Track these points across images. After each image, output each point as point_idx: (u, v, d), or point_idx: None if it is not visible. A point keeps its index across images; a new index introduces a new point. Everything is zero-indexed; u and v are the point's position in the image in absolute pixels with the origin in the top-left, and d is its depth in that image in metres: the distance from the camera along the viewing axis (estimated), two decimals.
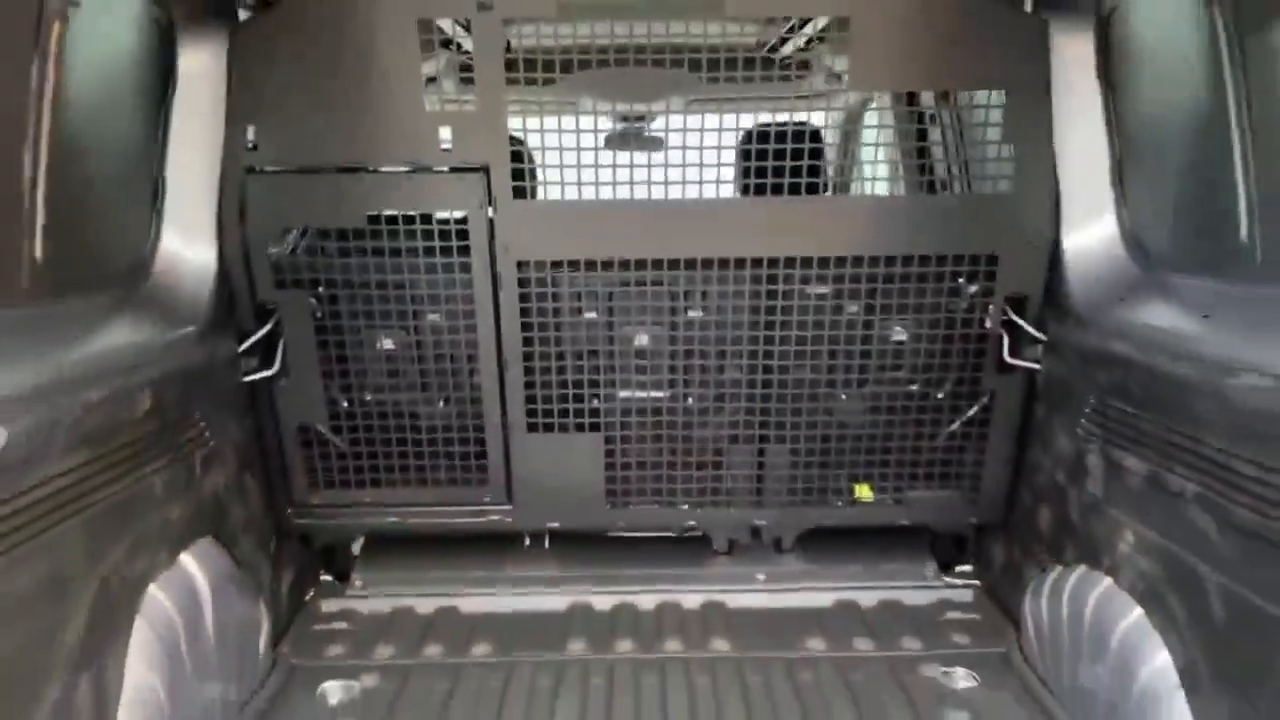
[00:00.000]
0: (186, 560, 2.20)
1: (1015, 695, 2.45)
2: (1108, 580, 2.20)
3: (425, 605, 2.99)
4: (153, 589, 2.05)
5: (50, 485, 1.69)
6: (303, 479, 2.85)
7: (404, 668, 2.66)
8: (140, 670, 1.94)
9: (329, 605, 3.00)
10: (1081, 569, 2.33)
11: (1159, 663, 1.96)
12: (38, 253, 1.92)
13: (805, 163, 2.55)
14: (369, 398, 2.86)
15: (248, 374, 2.63)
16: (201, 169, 2.52)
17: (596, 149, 2.56)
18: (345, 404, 2.85)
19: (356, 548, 3.20)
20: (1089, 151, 2.52)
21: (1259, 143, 1.96)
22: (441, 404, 2.85)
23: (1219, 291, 2.08)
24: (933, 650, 2.70)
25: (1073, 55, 2.50)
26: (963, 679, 2.55)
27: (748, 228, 2.64)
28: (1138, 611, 2.06)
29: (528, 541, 3.19)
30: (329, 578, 3.15)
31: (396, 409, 2.86)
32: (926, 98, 3.23)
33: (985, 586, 3.02)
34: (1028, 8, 2.60)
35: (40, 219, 1.94)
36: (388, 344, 2.79)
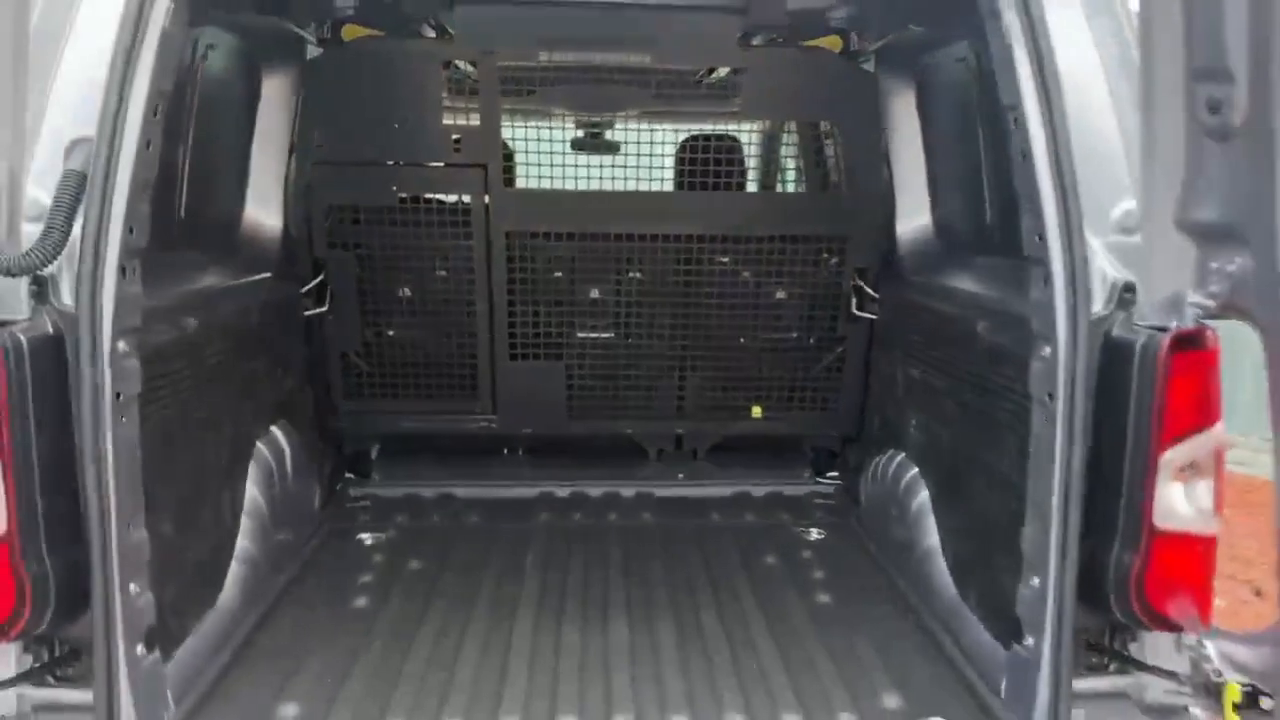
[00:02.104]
0: (275, 430, 3.19)
1: (848, 539, 3.52)
2: (902, 454, 3.29)
3: (428, 492, 3.97)
4: (259, 444, 3.04)
5: (214, 357, 2.67)
6: (341, 392, 3.83)
7: (416, 528, 3.64)
8: (254, 491, 2.93)
9: (355, 491, 3.98)
10: (890, 452, 3.41)
11: (922, 496, 3.05)
12: (181, 215, 2.89)
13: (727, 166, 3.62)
14: (392, 333, 3.85)
15: (306, 310, 3.61)
16: (275, 160, 3.48)
17: (564, 152, 3.60)
18: (375, 337, 3.84)
19: (374, 452, 4.17)
20: (911, 165, 3.59)
21: (989, 165, 3.02)
22: (445, 338, 3.85)
23: (991, 265, 3.15)
24: (799, 522, 3.76)
25: (900, 98, 3.56)
26: (816, 534, 3.60)
27: (676, 213, 3.69)
28: (915, 470, 3.15)
29: (505, 451, 4.21)
30: (352, 476, 4.13)
31: (412, 341, 3.85)
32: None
33: (844, 485, 4.09)
34: (870, 68, 3.67)
35: (184, 195, 2.90)
36: (406, 292, 3.79)
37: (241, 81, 3.28)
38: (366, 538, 3.52)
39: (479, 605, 2.92)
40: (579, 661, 2.58)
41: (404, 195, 3.59)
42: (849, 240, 3.70)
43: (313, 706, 2.33)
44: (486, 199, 3.57)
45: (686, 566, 3.26)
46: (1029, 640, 2.20)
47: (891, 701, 2.39)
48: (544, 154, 3.57)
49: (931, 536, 2.97)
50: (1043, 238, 2.08)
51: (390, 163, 3.56)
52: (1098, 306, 2.05)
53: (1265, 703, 1.86)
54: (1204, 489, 1.98)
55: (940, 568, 2.89)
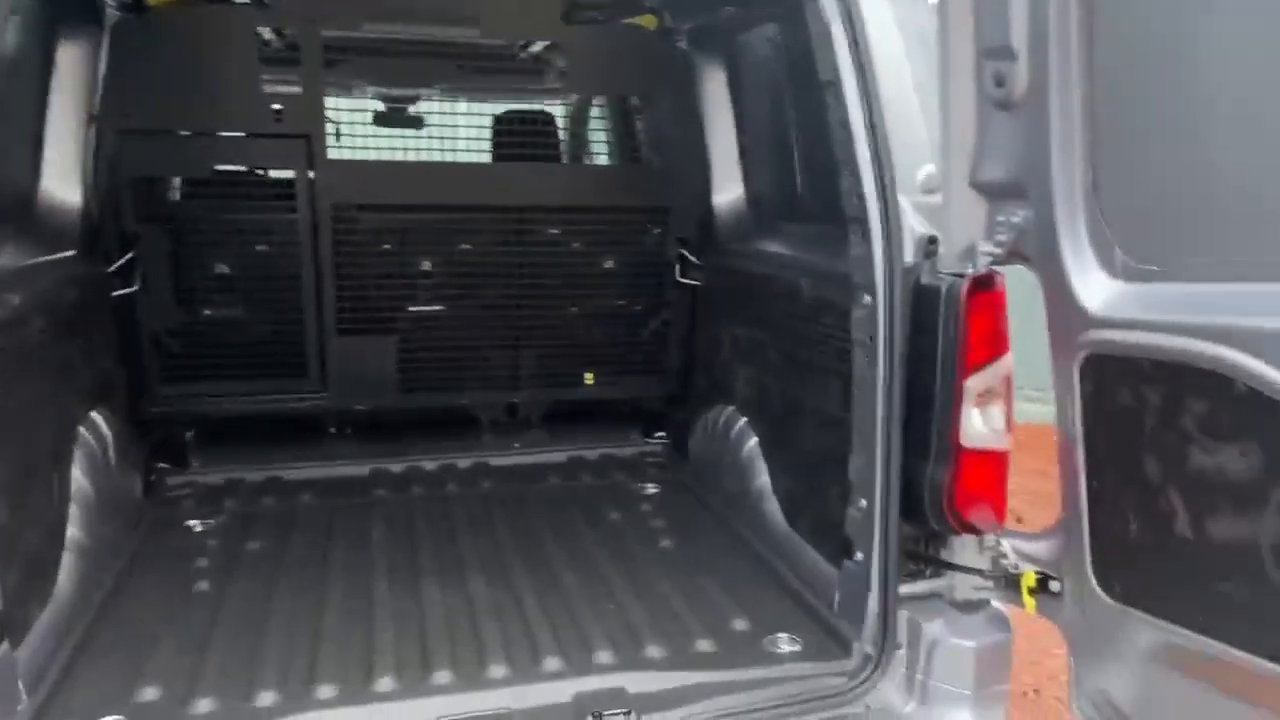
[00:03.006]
0: (95, 416, 3.01)
1: (681, 492, 3.74)
2: (731, 408, 3.54)
3: (255, 476, 3.85)
4: (81, 429, 2.87)
5: (23, 339, 2.50)
6: (157, 376, 3.64)
7: (247, 512, 3.53)
8: (80, 479, 2.77)
9: (174, 480, 3.79)
10: (719, 407, 3.66)
11: (752, 443, 3.31)
12: None
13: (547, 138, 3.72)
14: (210, 312, 3.70)
15: (114, 290, 3.40)
16: (74, 130, 3.26)
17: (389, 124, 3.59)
18: (191, 317, 3.67)
19: (190, 438, 3.98)
20: (725, 141, 3.84)
21: (800, 139, 3.31)
22: (269, 316, 3.73)
23: (802, 230, 3.44)
24: (634, 480, 3.95)
25: (712, 75, 3.80)
26: (651, 489, 3.79)
27: (502, 185, 3.76)
28: (744, 420, 3.41)
29: (330, 431, 4.13)
30: (165, 465, 3.92)
31: (233, 320, 3.72)
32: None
33: (672, 443, 4.31)
34: (683, 45, 3.88)
35: None
36: (224, 269, 3.65)
37: (34, 47, 3.05)
38: (195, 524, 3.38)
39: (331, 577, 2.91)
40: (444, 618, 2.64)
41: (221, 167, 3.45)
42: (670, 211, 3.91)
43: (174, 687, 2.27)
44: (311, 171, 3.51)
45: (533, 525, 3.37)
46: (859, 555, 2.48)
47: (741, 625, 2.62)
48: (369, 124, 3.53)
49: (761, 478, 3.24)
50: (861, 198, 2.34)
51: (205, 133, 3.41)
52: (908, 258, 2.33)
53: (1053, 585, 2.22)
54: (998, 411, 2.31)
55: (772, 506, 3.16)
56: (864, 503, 2.45)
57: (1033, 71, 2.04)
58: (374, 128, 3.56)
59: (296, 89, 3.43)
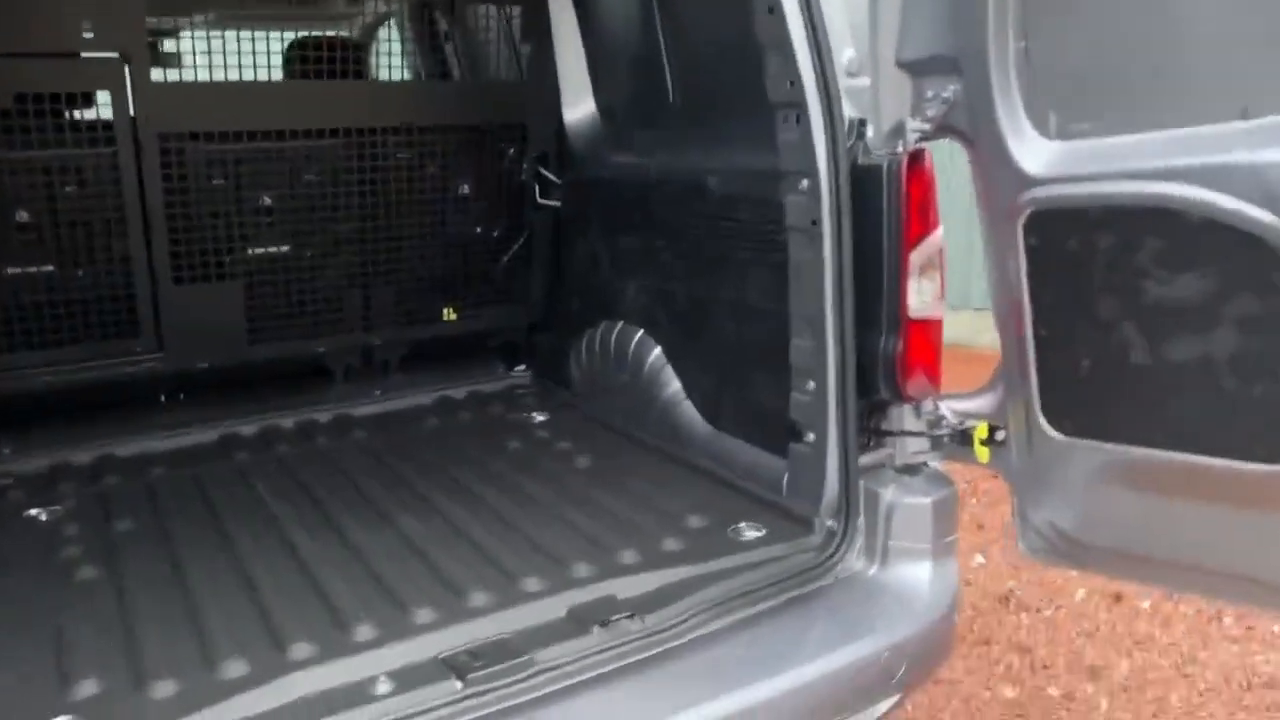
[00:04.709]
0: None
1: (572, 415, 3.66)
2: (621, 322, 3.51)
3: (82, 457, 3.34)
4: None
5: None
6: None
7: (94, 493, 3.06)
8: None
9: None
10: (604, 324, 3.61)
11: (654, 354, 3.30)
12: None
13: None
14: (11, 270, 3.13)
15: None
16: None
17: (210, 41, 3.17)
18: None
19: None
20: (574, 53, 3.74)
21: (673, 43, 3.29)
22: (87, 268, 3.23)
23: (656, 137, 3.42)
24: (514, 411, 3.82)
25: None
26: (540, 417, 3.68)
27: (343, 102, 3.44)
28: (641, 331, 3.39)
29: (167, 396, 3.66)
30: None
31: (40, 279, 3.18)
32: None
33: (535, 373, 4.20)
34: None
35: None
36: (24, 216, 3.10)
37: None
38: (38, 513, 2.90)
39: (238, 540, 2.59)
40: (391, 559, 2.44)
41: (18, 92, 2.91)
42: (526, 129, 3.76)
43: (113, 677, 1.95)
44: (130, 96, 3.04)
45: (434, 461, 3.18)
46: (809, 437, 2.56)
47: (697, 522, 2.63)
48: (197, 39, 3.11)
49: (671, 387, 3.24)
50: (795, 82, 2.37)
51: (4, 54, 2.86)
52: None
53: (1000, 434, 2.41)
54: (933, 282, 2.45)
55: (687, 410, 3.18)
56: (811, 384, 2.52)
57: None
58: (204, 43, 3.12)
59: None
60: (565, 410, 3.75)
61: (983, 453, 2.42)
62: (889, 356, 2.43)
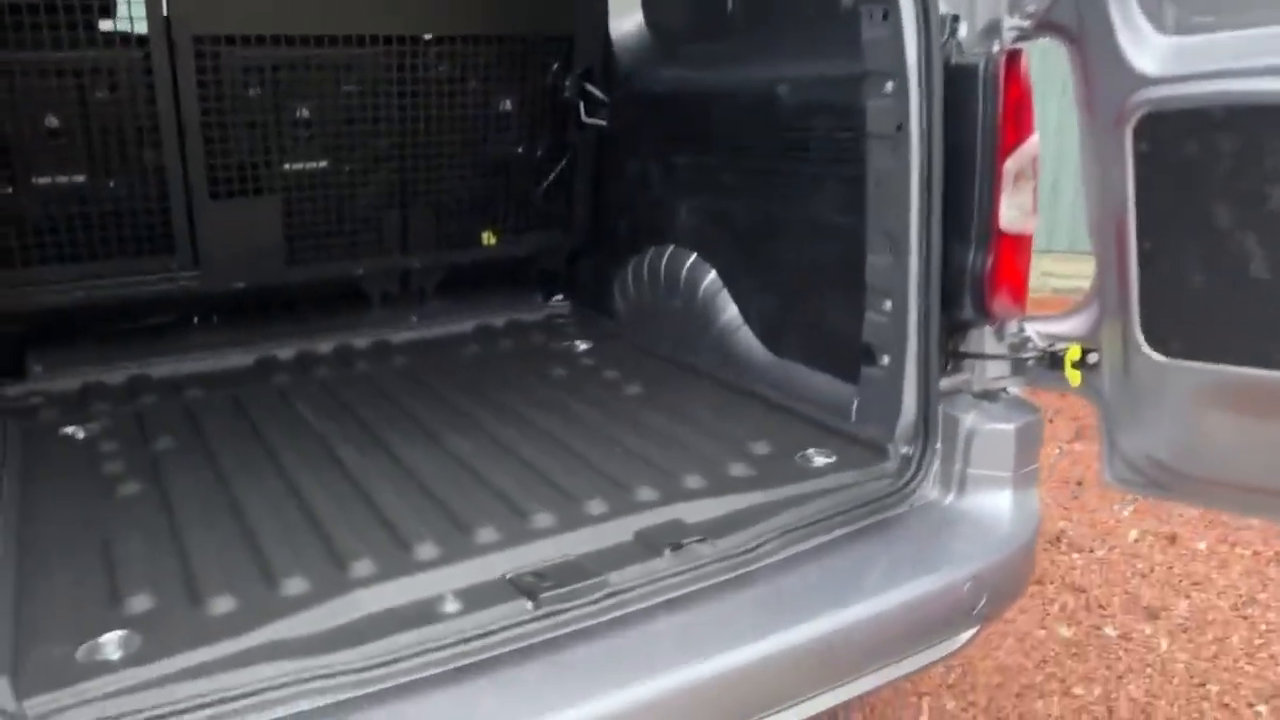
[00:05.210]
0: None
1: (618, 343, 3.52)
2: (672, 246, 3.36)
3: (115, 378, 3.24)
4: None
5: None
6: None
7: (130, 412, 2.96)
8: None
9: (13, 390, 3.11)
10: (653, 249, 3.46)
11: (710, 278, 3.16)
12: None
13: None
14: (40, 180, 3.00)
15: None
16: None
17: None
18: (11, 186, 2.96)
19: (27, 339, 3.28)
20: None
21: None
22: (119, 179, 3.09)
23: (712, 50, 3.24)
24: (557, 339, 3.68)
25: None
26: (583, 345, 3.56)
27: (385, 8, 3.25)
28: (694, 255, 3.24)
29: (200, 318, 3.55)
30: None
31: (69, 189, 3.04)
32: None
33: (576, 304, 4.07)
34: None
35: None
36: (54, 122, 2.96)
37: None
38: (75, 430, 2.80)
39: (284, 457, 2.49)
40: (446, 479, 2.32)
41: None
42: (574, 41, 3.58)
43: (167, 592, 1.86)
44: None
45: (479, 384, 3.06)
46: (884, 360, 2.43)
47: (762, 448, 2.51)
48: None
49: (728, 311, 3.11)
50: None
51: None
52: None
53: (1091, 357, 2.27)
54: (1027, 193, 2.29)
55: (745, 337, 3.04)
56: (888, 304, 2.38)
57: None
58: None
59: None
60: (610, 339, 3.62)
61: (1074, 376, 2.28)
62: (977, 273, 2.28)
